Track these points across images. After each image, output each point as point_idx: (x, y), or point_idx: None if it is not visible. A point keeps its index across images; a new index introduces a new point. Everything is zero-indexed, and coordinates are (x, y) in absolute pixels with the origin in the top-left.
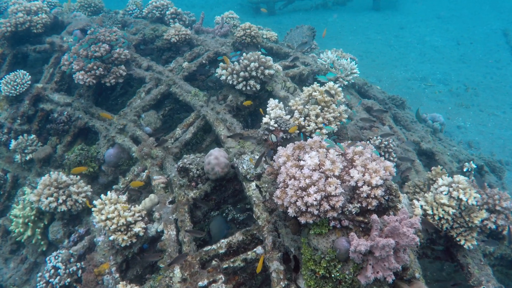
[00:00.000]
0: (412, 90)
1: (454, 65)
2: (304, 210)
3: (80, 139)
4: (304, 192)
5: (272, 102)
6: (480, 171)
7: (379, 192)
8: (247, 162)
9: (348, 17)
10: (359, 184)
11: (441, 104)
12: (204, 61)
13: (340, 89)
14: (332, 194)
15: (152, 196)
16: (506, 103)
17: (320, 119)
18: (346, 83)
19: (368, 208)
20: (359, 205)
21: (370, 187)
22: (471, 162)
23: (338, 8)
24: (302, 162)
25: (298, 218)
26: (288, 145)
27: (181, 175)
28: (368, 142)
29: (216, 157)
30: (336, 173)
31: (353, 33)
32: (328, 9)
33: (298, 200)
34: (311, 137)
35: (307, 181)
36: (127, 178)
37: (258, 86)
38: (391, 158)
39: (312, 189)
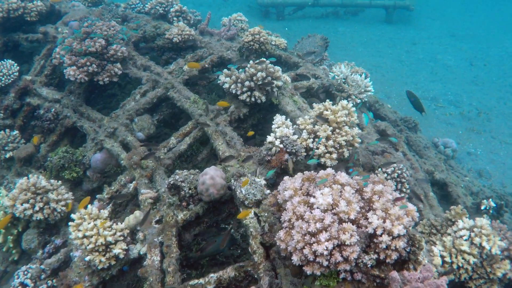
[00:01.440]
0: None
1: (466, 87)
2: (311, 259)
3: (66, 139)
4: (313, 238)
5: (278, 119)
6: (499, 210)
7: (401, 243)
8: (246, 186)
9: (359, 28)
10: (378, 232)
11: (452, 127)
12: (207, 65)
13: (354, 108)
14: (346, 243)
15: (137, 213)
16: None
17: (330, 142)
18: (359, 101)
19: (387, 261)
20: (375, 256)
21: (390, 237)
22: (490, 200)
23: (349, 18)
24: (312, 200)
25: (304, 268)
26: (296, 176)
27: (171, 193)
28: (380, 169)
29: (211, 177)
30: (352, 217)
31: (363, 45)
32: (339, 18)
33: (305, 247)
34: (319, 162)
35: (318, 225)
36: (112, 188)
37: (263, 98)
38: (404, 189)
39: (323, 236)
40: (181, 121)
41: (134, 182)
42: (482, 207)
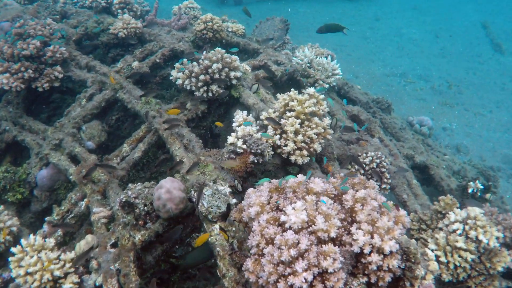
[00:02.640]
0: (392, 87)
1: (434, 60)
2: None
3: (9, 156)
4: (288, 269)
5: (239, 116)
6: (486, 191)
7: (394, 262)
8: (208, 198)
9: (319, 7)
10: (366, 250)
11: (424, 103)
12: (158, 60)
13: (323, 96)
14: (329, 270)
15: (89, 238)
16: (491, 102)
17: (300, 137)
18: (327, 86)
19: (379, 284)
20: (365, 279)
21: (381, 255)
22: (477, 181)
23: None
24: (283, 217)
25: None
26: (261, 187)
27: (125, 211)
28: (361, 166)
29: (168, 191)
30: (333, 234)
31: None
32: None
33: (279, 280)
34: (289, 160)
35: (292, 252)
36: (62, 208)
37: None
38: (385, 180)
39: (299, 265)
40: (125, 125)
41: (85, 199)
42: (470, 190)
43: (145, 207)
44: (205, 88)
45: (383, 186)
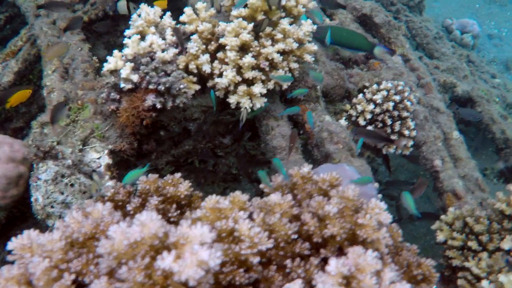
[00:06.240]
0: None
1: None
2: None
3: None
4: None
5: (139, 17)
6: None
7: None
8: (46, 186)
9: None
10: None
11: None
12: None
13: None
14: None
15: None
16: None
17: (249, 58)
18: None
19: None
20: None
21: None
22: None
23: None
24: None
25: None
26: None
27: None
28: (361, 96)
29: None
30: None
31: None
32: None
33: None
34: (228, 99)
35: None
36: None
37: None
38: (406, 131)
39: None
40: None
41: None
42: None
43: None
44: None
45: (403, 143)
